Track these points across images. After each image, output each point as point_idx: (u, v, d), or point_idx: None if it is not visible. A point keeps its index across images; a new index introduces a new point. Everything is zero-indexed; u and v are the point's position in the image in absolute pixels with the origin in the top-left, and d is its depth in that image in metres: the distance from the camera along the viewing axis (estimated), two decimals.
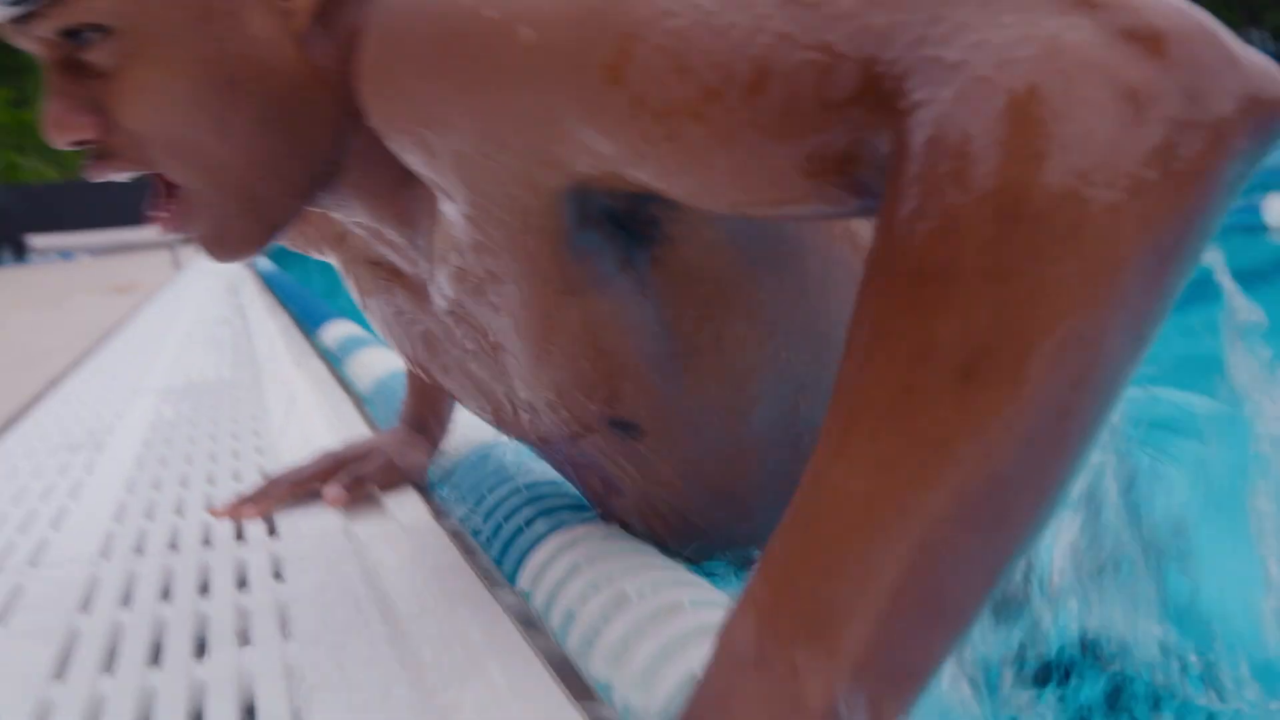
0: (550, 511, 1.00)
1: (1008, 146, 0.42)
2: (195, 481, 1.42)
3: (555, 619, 0.84)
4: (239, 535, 1.15)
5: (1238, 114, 0.42)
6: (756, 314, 0.76)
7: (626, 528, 0.96)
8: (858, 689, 0.44)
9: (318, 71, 0.72)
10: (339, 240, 0.97)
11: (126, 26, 0.68)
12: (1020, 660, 0.86)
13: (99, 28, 0.68)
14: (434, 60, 0.60)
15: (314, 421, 1.72)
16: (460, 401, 0.98)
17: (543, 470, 1.13)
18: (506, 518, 1.02)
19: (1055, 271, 0.41)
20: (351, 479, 1.19)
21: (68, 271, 17.74)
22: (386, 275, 0.91)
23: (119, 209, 34.74)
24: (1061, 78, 0.42)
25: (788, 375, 0.80)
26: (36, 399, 2.41)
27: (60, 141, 0.72)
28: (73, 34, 0.69)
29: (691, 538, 0.93)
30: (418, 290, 0.88)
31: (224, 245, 0.76)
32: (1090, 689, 0.88)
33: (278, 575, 1.01)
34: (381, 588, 0.95)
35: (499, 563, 0.98)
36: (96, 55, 0.69)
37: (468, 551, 1.01)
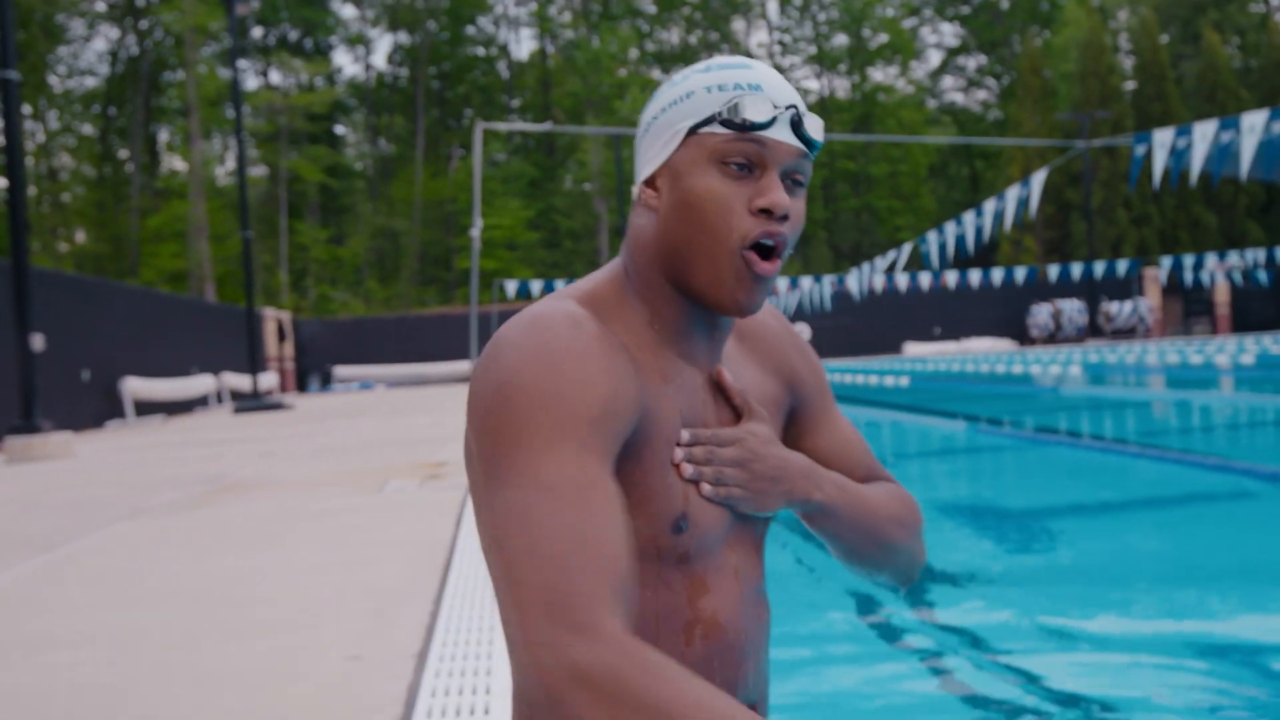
0: None
1: None
2: None
3: None
4: None
5: None
6: None
7: None
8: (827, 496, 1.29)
9: None
10: None
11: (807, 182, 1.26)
12: None
13: (806, 178, 1.25)
14: None
15: None
16: None
17: None
18: None
19: None
20: None
21: (373, 398, 18.86)
22: None
23: (411, 346, 37.06)
24: None
25: None
26: None
27: (782, 209, 1.19)
28: (796, 176, 1.23)
29: None
30: None
31: (766, 297, 1.27)
32: None
33: None
34: None
35: None
36: (799, 189, 1.24)
37: None
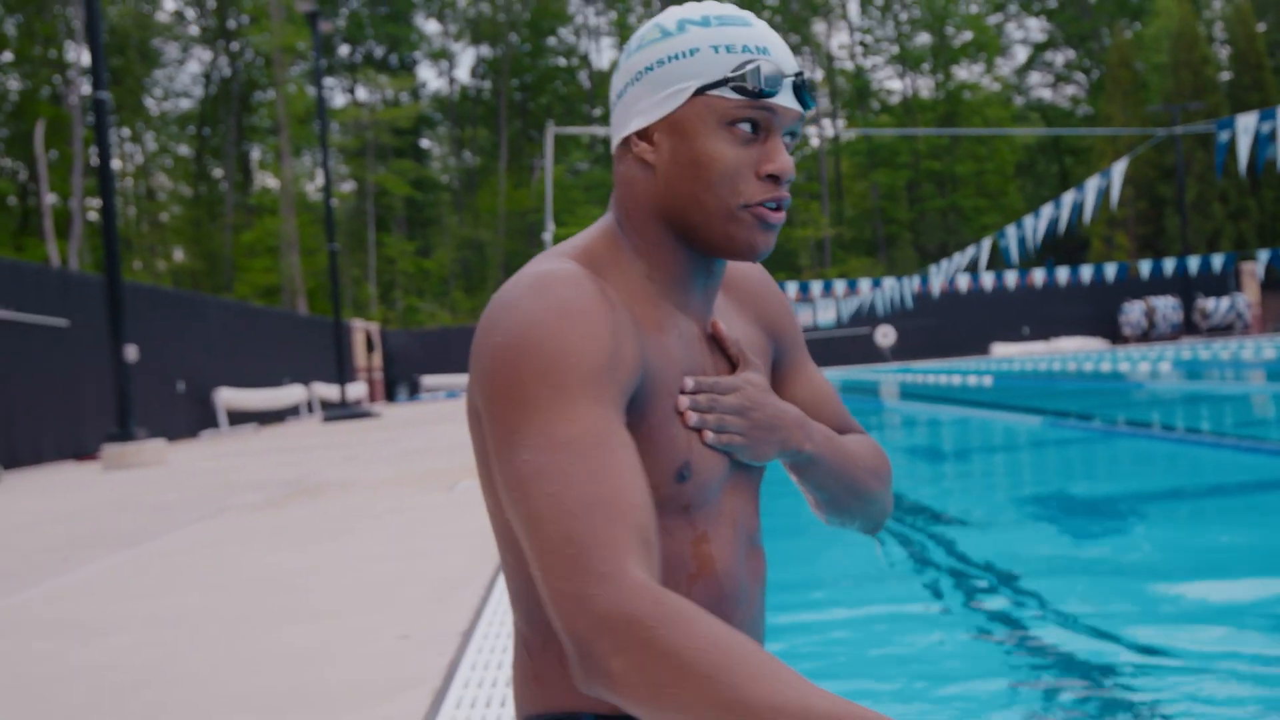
0: None
1: None
2: None
3: None
4: None
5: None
6: None
7: None
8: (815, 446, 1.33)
9: None
10: None
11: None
12: None
13: (799, 137, 1.28)
14: None
15: None
16: None
17: None
18: None
19: None
20: None
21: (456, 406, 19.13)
22: None
23: None
24: None
25: None
26: None
27: (790, 175, 1.23)
28: (792, 135, 1.27)
29: None
30: None
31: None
32: None
33: None
34: None
35: None
36: (794, 139, 1.27)
37: None
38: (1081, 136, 52.29)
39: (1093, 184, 13.72)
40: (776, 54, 1.22)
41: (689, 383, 1.24)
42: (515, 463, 1.06)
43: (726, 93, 1.20)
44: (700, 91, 1.20)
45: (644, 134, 1.24)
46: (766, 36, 1.23)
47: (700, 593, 1.24)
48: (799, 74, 1.23)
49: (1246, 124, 9.81)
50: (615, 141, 1.28)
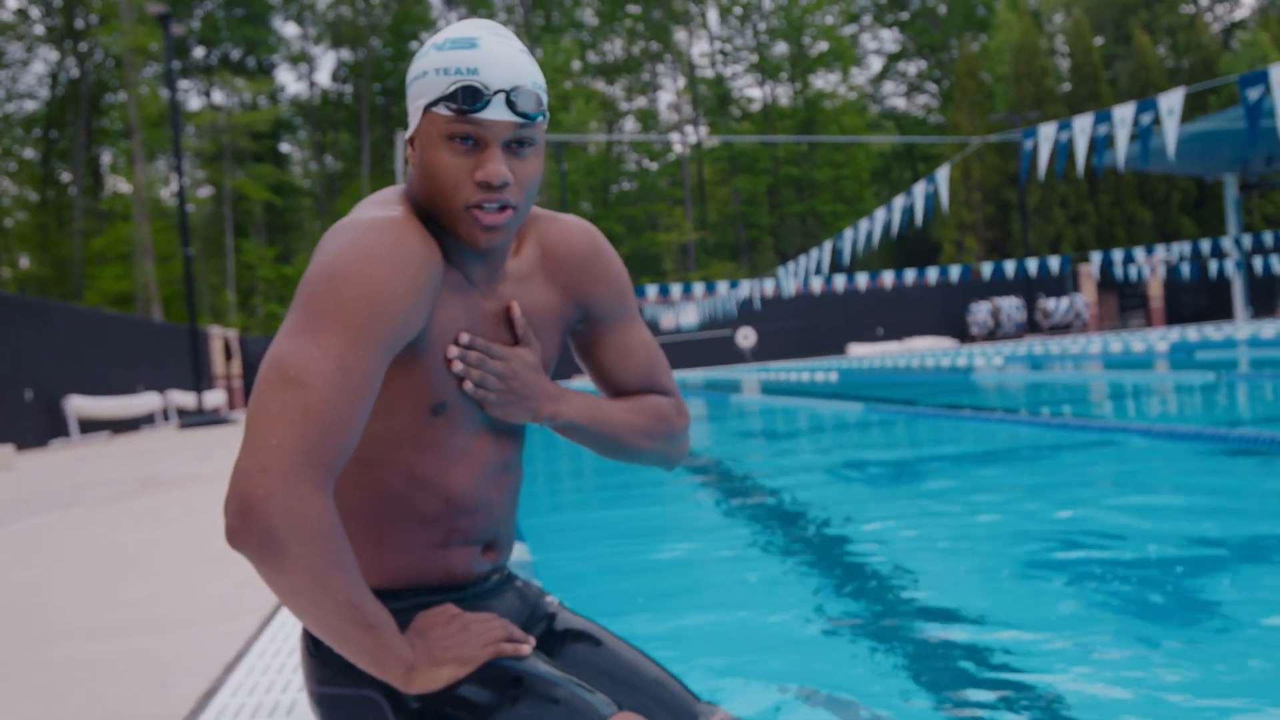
0: None
1: None
2: None
3: None
4: None
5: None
6: None
7: None
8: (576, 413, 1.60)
9: None
10: None
11: (540, 142, 1.46)
12: None
13: (533, 141, 1.45)
14: None
15: None
16: None
17: None
18: None
19: None
20: None
21: None
22: None
23: None
24: None
25: None
26: None
27: (498, 180, 1.39)
28: (520, 142, 1.43)
29: None
30: None
31: (506, 237, 1.46)
32: None
33: None
34: None
35: None
36: (526, 149, 1.45)
37: None
38: (933, 144, 54.29)
39: (920, 189, 14.57)
40: (486, 73, 1.38)
41: (464, 338, 1.46)
42: (279, 351, 1.30)
43: (443, 110, 1.39)
44: (428, 109, 1.41)
45: (411, 142, 1.47)
46: (484, 57, 1.40)
47: (447, 502, 1.52)
48: (508, 90, 1.39)
49: (1047, 133, 10.68)
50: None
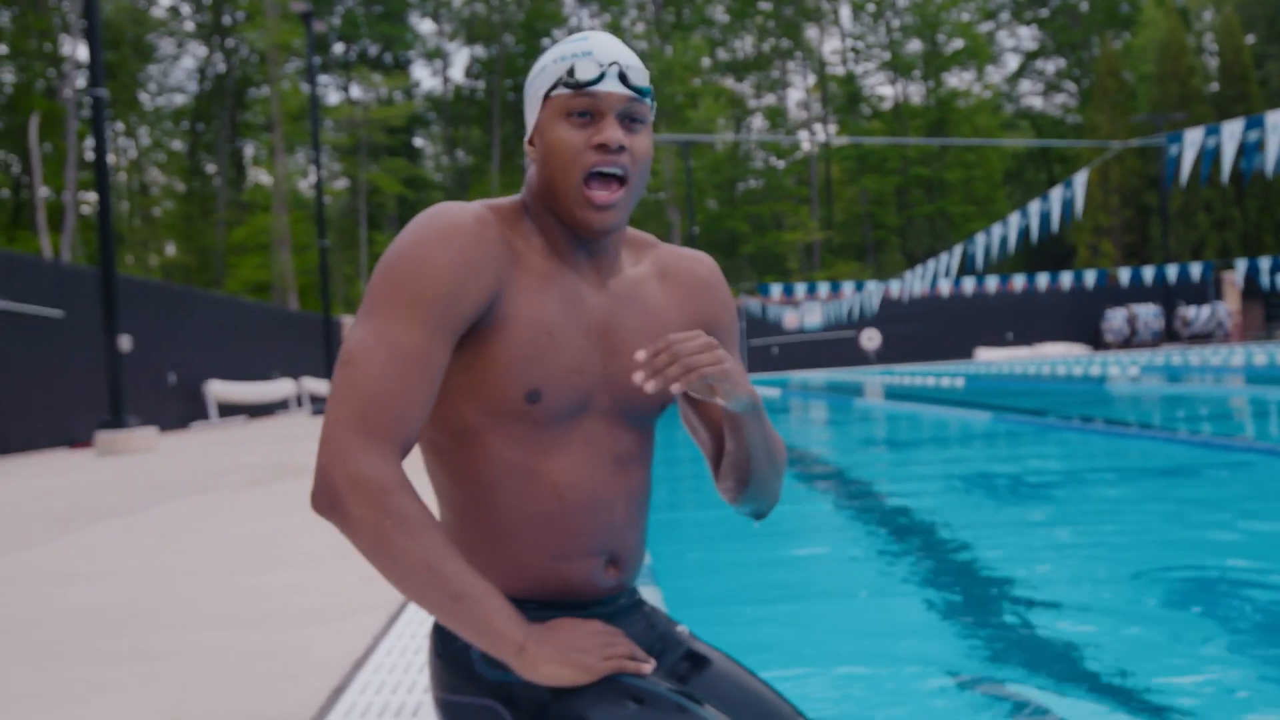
0: None
1: None
2: None
3: None
4: None
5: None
6: None
7: None
8: None
9: None
10: None
11: (649, 121, 1.55)
12: None
13: (644, 119, 1.54)
14: None
15: None
16: None
17: None
18: None
19: None
20: None
21: None
22: None
23: None
24: None
25: None
26: None
27: (614, 144, 1.48)
28: (632, 117, 1.52)
29: None
30: None
31: (618, 220, 1.52)
32: None
33: None
34: None
35: None
36: (638, 125, 1.53)
37: None
38: (1069, 146, 52.79)
39: (1057, 194, 14.17)
40: (599, 52, 1.50)
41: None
42: (354, 337, 1.42)
43: (561, 91, 1.49)
44: (547, 96, 1.51)
45: (531, 141, 1.55)
46: (594, 42, 1.51)
47: (549, 496, 1.51)
48: (621, 63, 1.49)
49: (1193, 139, 10.26)
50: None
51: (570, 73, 1.48)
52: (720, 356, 1.44)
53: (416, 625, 2.93)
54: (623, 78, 1.50)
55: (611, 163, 1.49)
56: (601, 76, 1.48)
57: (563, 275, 1.54)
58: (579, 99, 1.49)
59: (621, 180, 1.51)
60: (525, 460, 1.51)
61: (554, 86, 1.51)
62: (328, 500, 1.35)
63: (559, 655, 1.37)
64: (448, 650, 1.51)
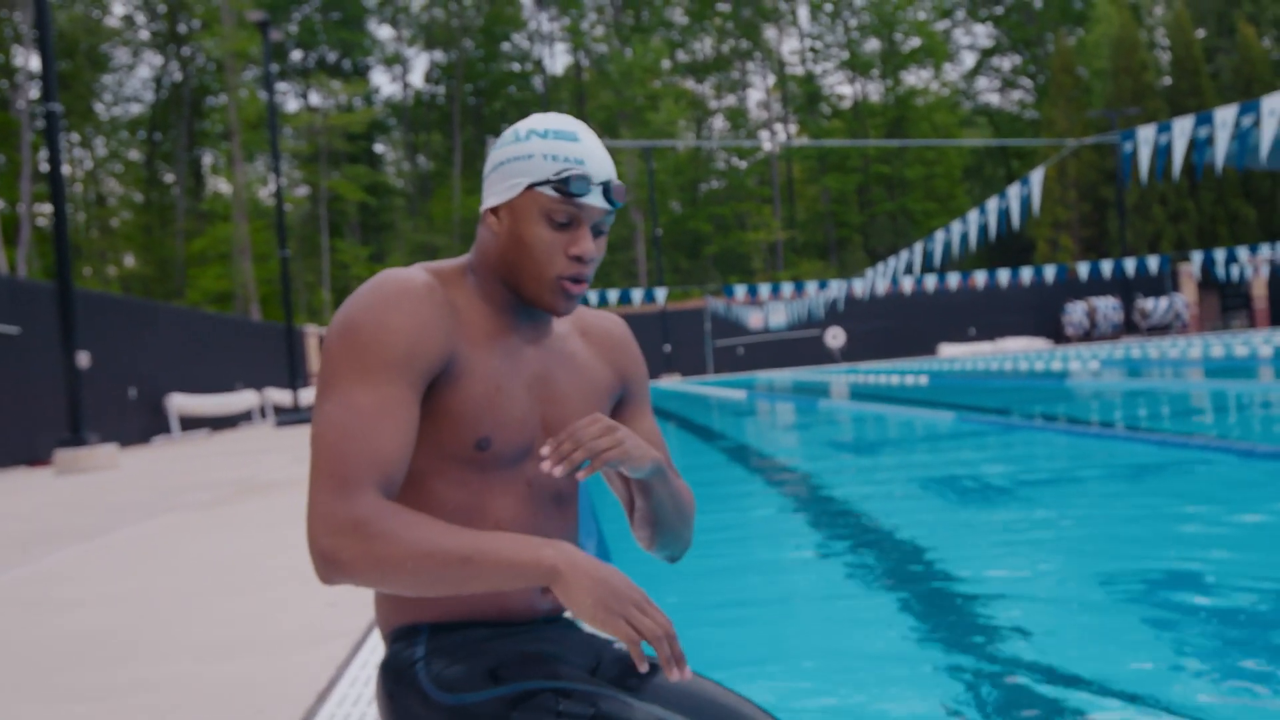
0: None
1: None
2: None
3: None
4: None
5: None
6: None
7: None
8: None
9: None
10: None
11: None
12: None
13: (608, 227, 1.63)
14: None
15: None
16: None
17: None
18: None
19: None
20: None
21: None
22: None
23: None
24: None
25: None
26: None
27: (590, 256, 1.60)
28: (600, 227, 1.62)
29: None
30: None
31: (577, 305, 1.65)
32: None
33: None
34: None
35: None
36: (602, 230, 1.63)
37: None
38: (1027, 144, 53.27)
39: (1015, 191, 14.31)
40: (591, 166, 1.59)
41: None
42: (320, 411, 1.48)
43: (548, 191, 1.57)
44: (530, 187, 1.58)
45: (495, 210, 1.63)
46: (587, 152, 1.60)
47: (487, 527, 1.60)
48: (606, 182, 1.60)
49: (1146, 135, 10.40)
50: (481, 209, 1.72)
51: (564, 183, 1.57)
52: (619, 439, 1.53)
53: (379, 654, 2.93)
54: (606, 195, 1.60)
55: (584, 272, 1.61)
56: (588, 192, 1.58)
57: (504, 334, 1.65)
58: (565, 207, 1.58)
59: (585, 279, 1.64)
60: (470, 500, 1.61)
61: (540, 183, 1.58)
62: (326, 565, 1.39)
63: (592, 585, 1.43)
64: (399, 686, 1.56)
